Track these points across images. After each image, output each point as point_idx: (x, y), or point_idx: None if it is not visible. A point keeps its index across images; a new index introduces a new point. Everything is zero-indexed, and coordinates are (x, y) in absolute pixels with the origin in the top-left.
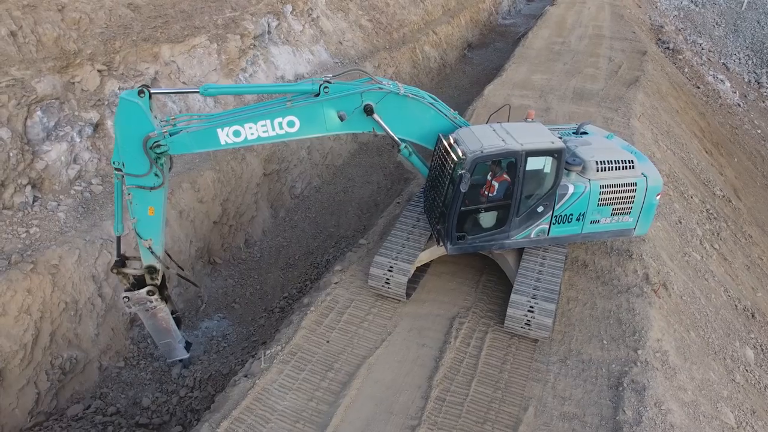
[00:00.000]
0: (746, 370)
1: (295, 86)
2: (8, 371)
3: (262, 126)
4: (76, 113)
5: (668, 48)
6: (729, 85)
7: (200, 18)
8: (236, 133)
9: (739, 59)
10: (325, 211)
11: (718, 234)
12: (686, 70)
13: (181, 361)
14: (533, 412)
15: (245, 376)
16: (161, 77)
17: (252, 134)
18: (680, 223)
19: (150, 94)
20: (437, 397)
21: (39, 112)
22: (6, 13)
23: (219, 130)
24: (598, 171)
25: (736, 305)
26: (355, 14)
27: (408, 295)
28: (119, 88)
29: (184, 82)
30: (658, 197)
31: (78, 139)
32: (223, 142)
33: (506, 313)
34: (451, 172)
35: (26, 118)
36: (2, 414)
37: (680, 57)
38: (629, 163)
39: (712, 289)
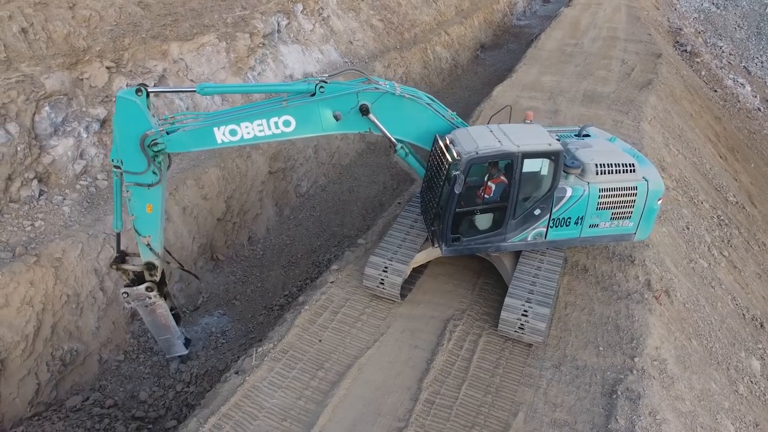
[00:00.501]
0: (751, 382)
1: (291, 86)
2: (10, 361)
3: (258, 125)
4: (84, 109)
5: (686, 51)
6: (749, 89)
7: (210, 16)
8: (232, 132)
9: (762, 62)
10: (329, 210)
11: (728, 241)
12: (703, 73)
13: (179, 357)
14: (523, 417)
15: (236, 373)
16: (169, 75)
17: (248, 133)
18: (688, 229)
19: (147, 93)
20: (426, 399)
21: (47, 108)
22: (18, 10)
23: (215, 129)
24: (597, 174)
25: (744, 314)
26: (366, 14)
27: (403, 296)
28: (127, 85)
29: (192, 80)
30: (660, 202)
31: (85, 135)
32: (219, 141)
33: (500, 317)
34: (446, 173)
35: (34, 114)
36: (3, 403)
37: (698, 60)
38: (630, 166)
39: (718, 297)
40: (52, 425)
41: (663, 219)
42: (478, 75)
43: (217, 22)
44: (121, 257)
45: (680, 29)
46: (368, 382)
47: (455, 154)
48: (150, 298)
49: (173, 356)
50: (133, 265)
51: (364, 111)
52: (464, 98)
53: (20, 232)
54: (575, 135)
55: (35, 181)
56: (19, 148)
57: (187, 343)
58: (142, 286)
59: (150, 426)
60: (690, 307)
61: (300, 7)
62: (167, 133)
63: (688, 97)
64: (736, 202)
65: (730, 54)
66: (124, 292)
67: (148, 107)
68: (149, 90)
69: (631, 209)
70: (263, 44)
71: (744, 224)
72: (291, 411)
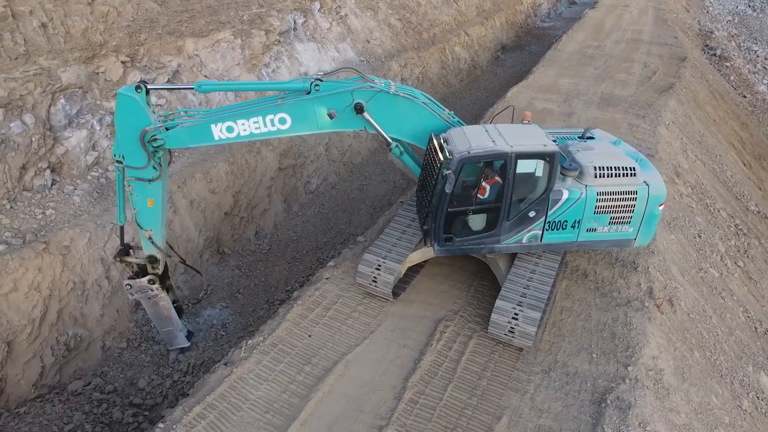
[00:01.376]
0: (757, 397)
1: (287, 84)
2: (16, 344)
3: (254, 123)
4: (98, 102)
5: (715, 54)
6: None
7: (226, 13)
8: (229, 129)
9: None
10: (338, 208)
11: (745, 251)
12: (732, 78)
13: (181, 349)
14: (507, 422)
15: (225, 364)
16: (184, 70)
17: (244, 130)
18: (700, 237)
19: (147, 90)
20: (410, 399)
21: (62, 100)
22: (39, 5)
23: (213, 126)
24: (595, 177)
25: (756, 327)
26: (385, 13)
27: (397, 294)
28: (141, 79)
29: (205, 76)
30: (661, 207)
31: (98, 127)
32: (216, 138)
33: (490, 319)
34: (439, 172)
35: (50, 106)
36: (9, 384)
37: (728, 64)
38: (630, 170)
39: (728, 308)
40: (52, 407)
41: (673, 226)
42: (498, 76)
43: (233, 19)
44: (125, 250)
45: (711, 32)
46: (354, 378)
47: (448, 154)
48: (152, 290)
49: (175, 348)
50: (136, 257)
51: (359, 109)
52: (482, 99)
53: (31, 220)
54: (578, 137)
55: (48, 171)
56: (33, 139)
57: (190, 335)
58: (145, 279)
59: (146, 413)
60: (695, 318)
61: (317, 5)
62: (166, 129)
63: (713, 102)
64: (758, 212)
65: (765, 59)
66: (128, 284)
67: (148, 104)
68: (149, 87)
69: (630, 214)
70: (279, 41)
71: (765, 234)
72: (275, 404)
